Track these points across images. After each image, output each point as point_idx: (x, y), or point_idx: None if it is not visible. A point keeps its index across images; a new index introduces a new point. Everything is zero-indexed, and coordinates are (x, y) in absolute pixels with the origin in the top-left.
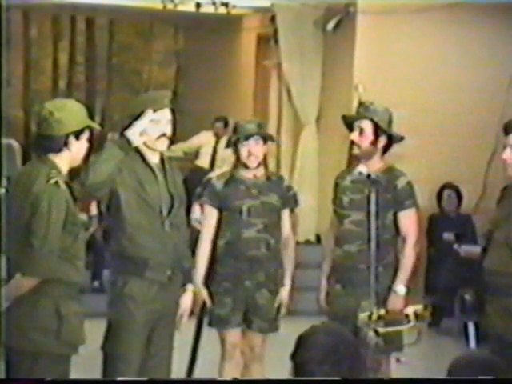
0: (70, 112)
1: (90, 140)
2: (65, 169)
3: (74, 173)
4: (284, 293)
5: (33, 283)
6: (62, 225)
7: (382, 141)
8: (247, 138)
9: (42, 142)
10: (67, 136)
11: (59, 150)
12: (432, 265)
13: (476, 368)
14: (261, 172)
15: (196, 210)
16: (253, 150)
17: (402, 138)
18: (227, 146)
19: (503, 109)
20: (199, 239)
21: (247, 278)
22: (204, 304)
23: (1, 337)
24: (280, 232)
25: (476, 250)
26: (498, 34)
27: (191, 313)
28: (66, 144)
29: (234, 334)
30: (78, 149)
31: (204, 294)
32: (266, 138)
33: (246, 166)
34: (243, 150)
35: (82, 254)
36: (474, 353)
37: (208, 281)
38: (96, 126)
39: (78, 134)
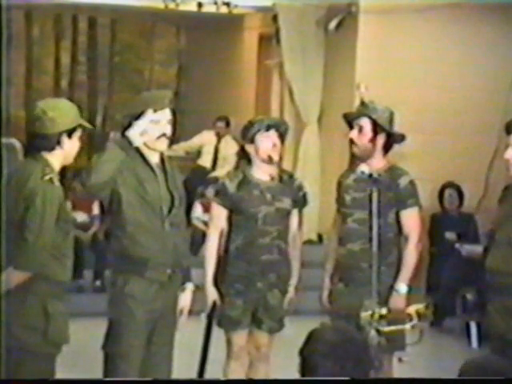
0: (62, 111)
1: (82, 139)
2: (57, 167)
3: (75, 171)
4: (292, 291)
5: (23, 277)
6: (55, 221)
7: (381, 139)
8: (268, 128)
9: (36, 141)
10: (60, 134)
11: (52, 149)
12: (434, 264)
13: (487, 373)
14: (276, 171)
15: (197, 209)
16: (276, 140)
17: (403, 138)
18: (242, 145)
19: (505, 108)
20: (207, 239)
21: (259, 280)
22: (214, 304)
23: (0, 336)
24: (288, 233)
25: (478, 249)
26: (499, 34)
27: (190, 311)
28: (58, 142)
29: (241, 336)
30: (70, 147)
31: (214, 293)
32: (281, 134)
33: (269, 160)
34: (266, 142)
35: (70, 252)
36: (486, 357)
37: (217, 282)
38: (87, 124)
39: (70, 133)
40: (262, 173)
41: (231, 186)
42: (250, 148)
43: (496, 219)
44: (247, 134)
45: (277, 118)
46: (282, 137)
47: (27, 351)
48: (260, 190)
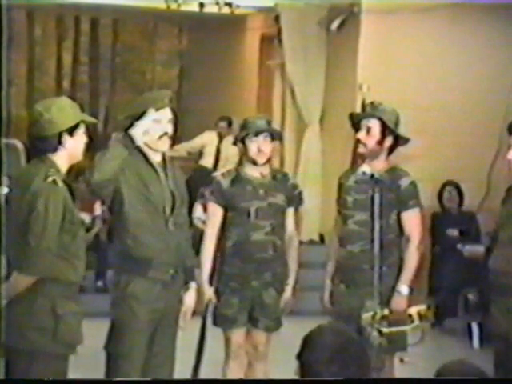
0: (59, 110)
1: (89, 134)
2: (64, 167)
3: (78, 171)
4: (288, 291)
5: (30, 281)
6: (60, 223)
7: (389, 141)
8: (257, 134)
9: (37, 144)
10: (60, 134)
11: (55, 150)
12: (436, 264)
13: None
14: (267, 170)
15: (198, 209)
16: (262, 146)
17: (407, 141)
18: (235, 141)
19: (507, 108)
20: (204, 238)
21: (254, 278)
22: (209, 303)
23: (0, 336)
24: (284, 231)
25: (480, 249)
26: (501, 34)
27: (194, 311)
28: (60, 142)
29: (239, 334)
30: (74, 145)
31: (210, 292)
32: (273, 136)
33: (254, 163)
34: (252, 147)
35: (82, 253)
36: (461, 361)
37: (214, 280)
38: (90, 119)
39: (71, 131)
40: (254, 170)
41: (225, 183)
42: (240, 147)
43: (499, 219)
44: (239, 135)
45: (267, 125)
46: (274, 139)
47: (38, 352)
48: (253, 185)
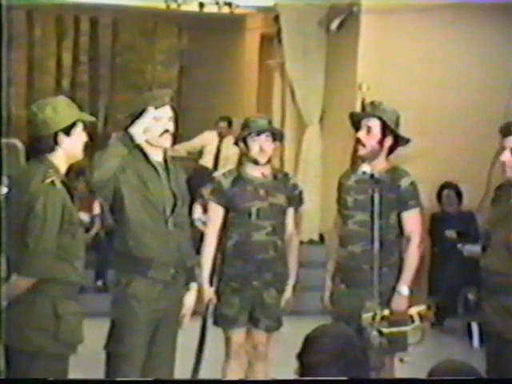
0: (53, 110)
1: (89, 133)
2: (63, 167)
3: (78, 170)
4: (289, 291)
5: (29, 283)
6: (59, 224)
7: (389, 141)
8: (259, 133)
9: (34, 144)
10: (56, 134)
11: (52, 150)
12: (435, 264)
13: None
14: (268, 170)
15: (197, 210)
16: (264, 145)
17: (407, 141)
18: (236, 141)
19: (506, 108)
20: (204, 237)
21: (255, 278)
22: (209, 303)
23: (1, 336)
24: (285, 231)
25: (479, 249)
26: (500, 34)
27: (194, 312)
28: (56, 142)
29: (240, 334)
30: (71, 145)
31: (210, 292)
32: (275, 135)
33: (255, 162)
34: (254, 146)
35: (81, 253)
36: (454, 361)
37: (214, 280)
38: (88, 117)
39: (68, 130)
40: (255, 170)
41: (226, 183)
42: (241, 146)
43: (491, 220)
44: (240, 134)
45: (268, 124)
46: (275, 139)
47: (39, 352)
48: (254, 185)
